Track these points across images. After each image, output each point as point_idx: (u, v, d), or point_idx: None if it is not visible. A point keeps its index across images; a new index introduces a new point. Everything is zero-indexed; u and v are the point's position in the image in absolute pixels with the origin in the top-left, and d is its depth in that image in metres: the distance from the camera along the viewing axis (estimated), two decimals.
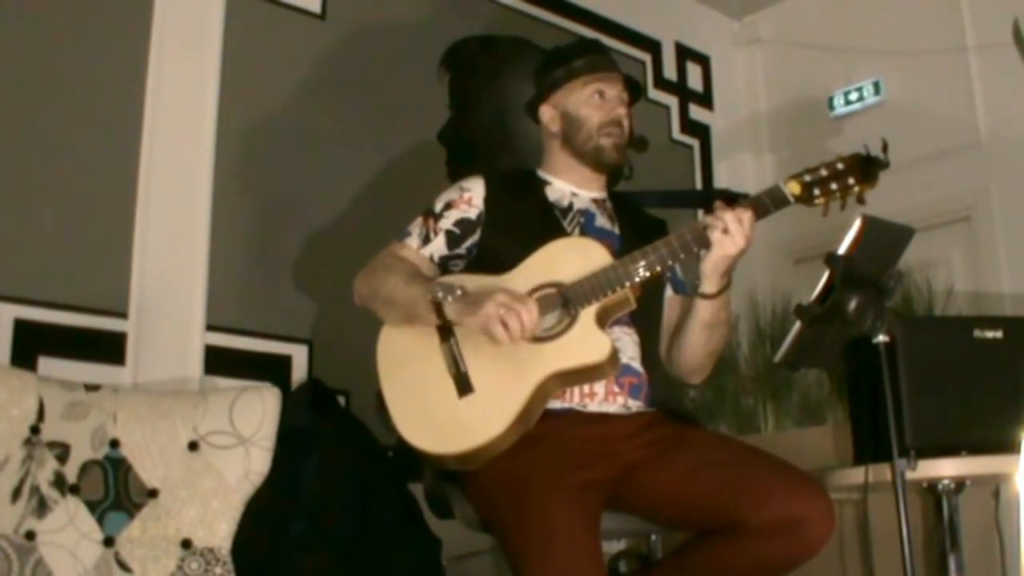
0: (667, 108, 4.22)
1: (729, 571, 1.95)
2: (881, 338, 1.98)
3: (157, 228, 2.76)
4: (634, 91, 2.36)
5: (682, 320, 2.22)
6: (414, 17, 3.44)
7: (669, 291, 2.33)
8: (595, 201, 2.31)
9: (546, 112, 2.32)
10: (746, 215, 2.01)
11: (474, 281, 2.09)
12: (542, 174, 2.34)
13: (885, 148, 2.02)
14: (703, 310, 2.13)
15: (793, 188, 2.03)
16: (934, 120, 3.78)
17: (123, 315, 2.67)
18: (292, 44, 3.13)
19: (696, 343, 2.17)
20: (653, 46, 4.21)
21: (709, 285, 2.09)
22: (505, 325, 1.95)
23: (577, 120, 2.27)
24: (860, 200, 2.05)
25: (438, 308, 2.02)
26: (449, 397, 2.03)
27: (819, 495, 1.91)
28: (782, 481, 1.92)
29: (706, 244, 2.04)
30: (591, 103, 2.26)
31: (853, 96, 4.04)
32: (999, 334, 2.28)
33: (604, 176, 2.32)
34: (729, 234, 2.00)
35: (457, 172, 3.22)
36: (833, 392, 3.32)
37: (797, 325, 2.12)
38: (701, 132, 4.34)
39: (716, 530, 1.95)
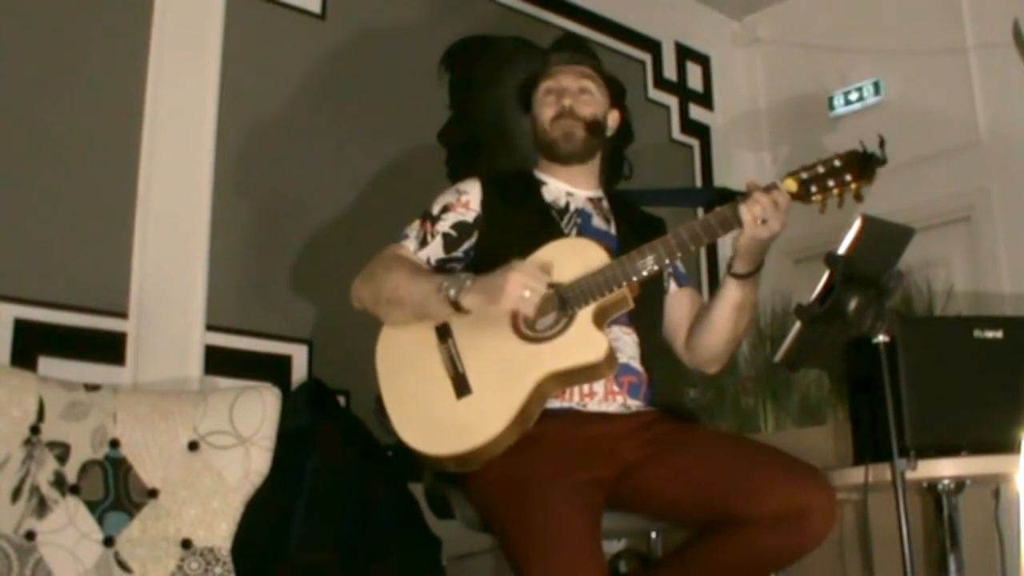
0: (667, 108, 4.22)
1: (731, 566, 1.94)
2: (881, 338, 1.98)
3: (157, 228, 2.76)
4: (591, 63, 2.36)
5: (700, 310, 2.24)
6: (414, 17, 3.44)
7: (673, 286, 2.33)
8: (591, 200, 2.31)
9: (528, 122, 2.38)
10: (783, 199, 2.01)
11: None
12: (538, 174, 2.34)
13: (882, 144, 2.02)
14: (734, 291, 2.13)
15: (790, 186, 2.02)
16: (934, 120, 3.78)
17: (123, 315, 2.67)
18: (292, 44, 3.13)
19: (723, 327, 2.17)
20: (653, 46, 4.21)
21: (742, 265, 2.10)
22: (532, 302, 1.97)
23: (536, 121, 2.32)
24: (858, 197, 2.03)
25: (454, 304, 2.02)
26: (447, 398, 2.03)
27: (821, 486, 1.91)
28: (783, 473, 1.92)
29: (728, 228, 2.04)
30: (545, 102, 2.31)
31: (853, 96, 4.04)
32: (999, 334, 2.28)
33: (581, 168, 2.31)
34: (763, 219, 2.00)
35: (457, 172, 3.21)
36: (833, 392, 3.32)
37: (797, 325, 2.12)
38: (701, 132, 4.33)
39: (717, 526, 1.95)
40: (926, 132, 3.74)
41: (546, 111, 2.29)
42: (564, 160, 2.29)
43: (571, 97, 2.28)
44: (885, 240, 2.07)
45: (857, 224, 2.02)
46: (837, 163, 2.02)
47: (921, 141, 3.70)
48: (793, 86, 4.29)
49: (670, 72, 4.26)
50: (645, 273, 2.06)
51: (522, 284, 1.96)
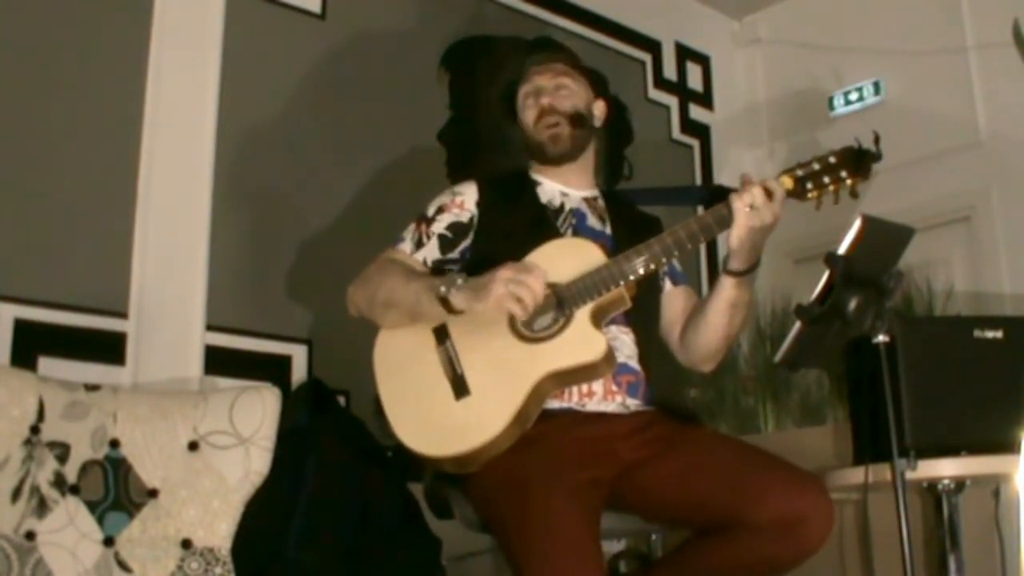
0: (667, 108, 4.22)
1: (729, 569, 1.94)
2: (881, 338, 1.98)
3: (157, 228, 2.76)
4: (564, 58, 2.39)
5: (694, 307, 2.24)
6: (414, 17, 3.44)
7: (668, 285, 2.33)
8: (586, 200, 2.31)
9: (516, 131, 2.38)
10: (778, 189, 1.99)
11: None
12: (534, 175, 2.35)
13: (877, 141, 2.01)
14: (729, 289, 2.12)
15: (786, 183, 2.02)
16: (934, 120, 3.78)
17: (123, 315, 2.67)
18: (292, 44, 3.13)
19: (717, 324, 2.17)
20: (653, 46, 4.21)
21: (737, 262, 2.09)
22: (518, 299, 1.95)
23: (523, 127, 2.33)
24: (853, 194, 2.03)
25: (444, 302, 2.02)
26: (446, 400, 2.03)
27: (818, 492, 1.91)
28: (781, 479, 1.92)
29: (724, 225, 2.02)
30: (527, 105, 2.33)
31: (853, 96, 4.05)
32: (999, 334, 2.28)
33: (573, 167, 2.31)
34: (755, 209, 1.99)
35: (457, 173, 3.23)
36: (833, 392, 3.32)
37: (797, 325, 2.12)
38: (701, 132, 4.33)
39: (715, 528, 1.95)
40: (926, 132, 3.74)
41: (528, 114, 2.31)
42: (555, 161, 2.30)
43: (548, 95, 2.29)
44: (885, 240, 2.07)
45: (857, 224, 2.02)
46: (832, 160, 2.02)
47: (921, 141, 3.70)
48: (793, 86, 4.30)
49: (670, 72, 4.26)
50: (642, 272, 2.06)
51: (507, 281, 1.96)
